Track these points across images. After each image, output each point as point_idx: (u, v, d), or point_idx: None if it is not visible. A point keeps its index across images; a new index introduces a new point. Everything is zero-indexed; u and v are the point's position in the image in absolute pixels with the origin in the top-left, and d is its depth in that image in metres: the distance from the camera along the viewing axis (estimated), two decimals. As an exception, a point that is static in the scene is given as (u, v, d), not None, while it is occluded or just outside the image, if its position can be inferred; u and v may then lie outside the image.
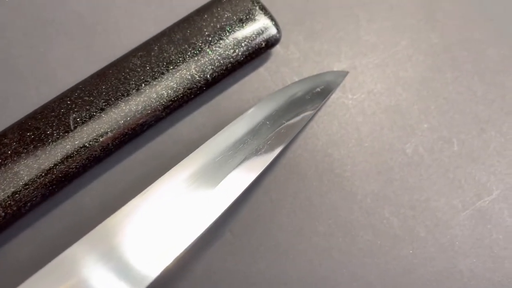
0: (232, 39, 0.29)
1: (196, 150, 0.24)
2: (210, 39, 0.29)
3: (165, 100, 0.27)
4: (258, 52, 0.30)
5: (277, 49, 0.32)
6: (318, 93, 0.30)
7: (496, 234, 0.29)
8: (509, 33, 0.34)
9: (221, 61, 0.28)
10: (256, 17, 0.30)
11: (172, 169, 0.23)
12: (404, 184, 0.30)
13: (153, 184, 0.23)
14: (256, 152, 0.25)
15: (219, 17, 0.29)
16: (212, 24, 0.29)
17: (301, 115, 0.29)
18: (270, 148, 0.27)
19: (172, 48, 0.28)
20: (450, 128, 0.31)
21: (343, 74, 0.32)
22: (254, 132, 0.27)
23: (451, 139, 0.31)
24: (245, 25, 0.29)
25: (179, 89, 0.28)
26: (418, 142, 0.31)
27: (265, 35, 0.29)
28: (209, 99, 0.30)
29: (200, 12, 0.30)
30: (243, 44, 0.29)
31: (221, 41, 0.29)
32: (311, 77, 0.31)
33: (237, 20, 0.29)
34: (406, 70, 0.32)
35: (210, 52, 0.28)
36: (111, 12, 0.32)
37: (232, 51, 0.29)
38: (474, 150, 0.31)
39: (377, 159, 0.30)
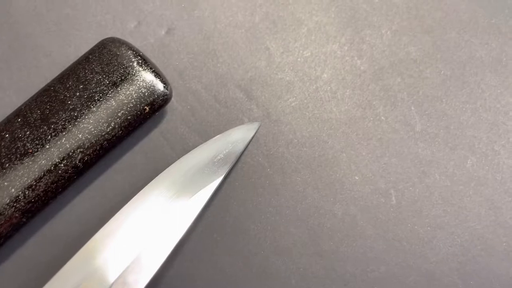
0: (104, 110, 0.23)
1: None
2: (75, 114, 0.23)
3: (21, 203, 0.22)
4: (144, 118, 0.24)
5: (173, 104, 0.27)
6: (224, 157, 0.24)
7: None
8: (450, 47, 0.28)
9: (93, 141, 0.23)
10: (136, 75, 0.24)
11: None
12: (336, 255, 0.25)
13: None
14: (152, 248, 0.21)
15: (86, 83, 0.24)
16: (78, 94, 0.23)
17: (206, 189, 0.23)
18: (167, 242, 0.22)
19: (28, 132, 0.22)
20: (386, 177, 0.26)
21: (254, 126, 0.26)
22: (146, 220, 0.22)
23: (388, 191, 0.26)
24: (121, 88, 0.24)
25: (39, 186, 0.22)
26: (349, 200, 0.26)
27: (149, 96, 0.24)
28: (88, 182, 0.25)
29: (62, 79, 0.24)
30: (120, 114, 0.23)
31: (90, 115, 0.23)
32: (215, 138, 0.25)
33: (110, 84, 0.24)
34: (331, 111, 0.27)
35: (76, 132, 0.23)
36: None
37: (106, 125, 0.23)
38: (416, 201, 0.26)
39: (302, 228, 0.25)
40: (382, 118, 0.27)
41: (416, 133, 0.27)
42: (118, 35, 0.27)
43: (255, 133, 0.26)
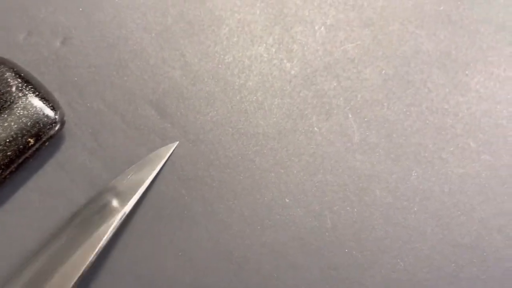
0: (-23, 147, 0.20)
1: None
2: None
3: None
4: (30, 153, 0.21)
5: (71, 129, 0.23)
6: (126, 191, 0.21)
7: None
8: (392, 41, 0.25)
9: (-35, 185, 0.19)
10: (15, 103, 0.20)
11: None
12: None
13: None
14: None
15: (-47, 115, 0.20)
16: None
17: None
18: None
19: None
20: (321, 197, 0.23)
21: (170, 147, 0.23)
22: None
23: (323, 213, 0.23)
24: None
25: None
26: (278, 226, 0.23)
27: (33, 126, 0.20)
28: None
29: None
30: (-3, 150, 0.20)
31: (-41, 155, 0.19)
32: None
33: (-17, 115, 0.20)
34: (257, 124, 0.24)
35: None
36: None
37: (-20, 165, 0.20)
38: (354, 223, 0.23)
39: (226, 263, 0.22)
40: (316, 129, 0.24)
41: (353, 144, 0.24)
42: (4, 49, 0.23)
43: (170, 155, 0.23)
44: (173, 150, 0.23)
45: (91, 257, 0.19)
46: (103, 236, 0.20)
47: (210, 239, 0.23)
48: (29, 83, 0.21)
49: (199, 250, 0.23)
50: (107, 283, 0.22)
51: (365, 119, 0.24)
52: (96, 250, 0.20)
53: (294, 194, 0.23)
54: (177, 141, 0.23)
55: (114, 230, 0.20)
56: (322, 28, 0.25)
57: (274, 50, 0.25)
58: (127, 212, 0.21)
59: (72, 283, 0.19)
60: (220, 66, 0.24)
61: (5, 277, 0.20)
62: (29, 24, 0.24)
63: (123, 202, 0.21)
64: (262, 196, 0.23)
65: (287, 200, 0.23)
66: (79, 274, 0.19)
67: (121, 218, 0.20)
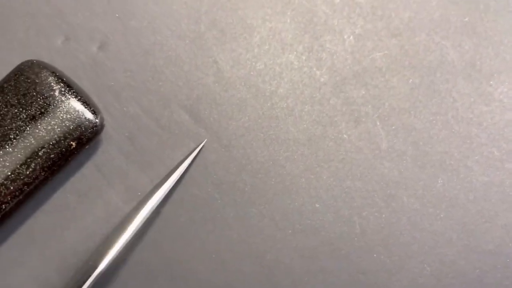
0: (22, 150, 0.20)
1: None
2: (-12, 156, 0.20)
3: None
4: (71, 155, 0.21)
5: (108, 132, 0.23)
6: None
7: None
8: (419, 51, 0.25)
9: (11, 187, 0.20)
10: (58, 107, 0.21)
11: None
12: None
13: None
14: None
15: (0, 117, 0.20)
16: (-11, 132, 0.20)
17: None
18: None
19: None
20: (350, 202, 0.24)
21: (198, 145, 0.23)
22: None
23: (352, 219, 0.24)
24: (41, 122, 0.21)
25: None
26: (308, 230, 0.24)
27: (75, 130, 0.21)
28: (12, 228, 0.22)
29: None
30: (41, 153, 0.20)
31: (5, 157, 0.20)
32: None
33: (28, 119, 0.20)
34: (288, 131, 0.24)
35: (-11, 178, 0.20)
36: None
37: (25, 167, 0.20)
38: (382, 228, 0.24)
39: (258, 266, 0.23)
40: (345, 136, 0.25)
41: (382, 151, 0.25)
42: (43, 54, 0.24)
43: (199, 152, 0.23)
44: (202, 150, 0.23)
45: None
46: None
47: (242, 242, 0.23)
48: (71, 87, 0.21)
49: (231, 253, 0.23)
50: (141, 285, 0.23)
51: (393, 127, 0.25)
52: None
53: (323, 199, 0.24)
54: (209, 144, 0.24)
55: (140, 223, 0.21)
56: (351, 37, 0.26)
57: (304, 58, 0.25)
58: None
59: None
60: (251, 73, 0.25)
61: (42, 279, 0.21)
62: (67, 29, 0.24)
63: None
64: (292, 201, 0.24)
65: (317, 206, 0.24)
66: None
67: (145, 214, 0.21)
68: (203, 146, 0.23)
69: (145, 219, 0.21)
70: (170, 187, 0.22)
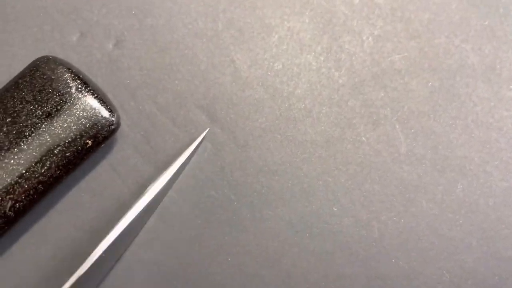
0: (37, 148, 0.20)
1: None
2: (2, 153, 0.20)
3: None
4: (86, 153, 0.21)
5: (123, 130, 0.23)
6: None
7: None
8: (438, 54, 0.25)
9: (25, 185, 0.20)
10: (74, 104, 0.20)
11: None
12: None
13: None
14: None
15: (15, 115, 0.20)
16: (5, 129, 0.20)
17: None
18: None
19: None
20: (368, 206, 0.23)
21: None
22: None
23: (370, 223, 0.23)
24: (57, 119, 0.20)
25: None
26: (326, 234, 0.23)
27: (91, 128, 0.20)
28: (25, 227, 0.22)
29: (-15, 111, 0.20)
30: (56, 151, 0.20)
31: (20, 154, 0.20)
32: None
33: (44, 116, 0.20)
34: (305, 132, 0.24)
35: (4, 175, 0.19)
36: None
37: (40, 165, 0.20)
38: (400, 233, 0.23)
39: (274, 270, 0.22)
40: (363, 139, 0.24)
41: (401, 155, 0.24)
42: (57, 50, 0.23)
43: (201, 140, 0.23)
44: (218, 150, 0.23)
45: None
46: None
47: (258, 245, 0.23)
48: (87, 84, 0.21)
49: (247, 256, 0.23)
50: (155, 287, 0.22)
51: (412, 130, 0.25)
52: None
53: (341, 203, 0.24)
54: (225, 144, 0.23)
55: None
56: (370, 39, 0.26)
57: (322, 58, 0.25)
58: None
59: None
60: (269, 73, 0.25)
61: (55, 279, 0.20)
62: (82, 25, 0.24)
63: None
64: (310, 204, 0.23)
65: (335, 209, 0.23)
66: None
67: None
68: (205, 134, 0.23)
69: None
70: (170, 181, 0.21)
